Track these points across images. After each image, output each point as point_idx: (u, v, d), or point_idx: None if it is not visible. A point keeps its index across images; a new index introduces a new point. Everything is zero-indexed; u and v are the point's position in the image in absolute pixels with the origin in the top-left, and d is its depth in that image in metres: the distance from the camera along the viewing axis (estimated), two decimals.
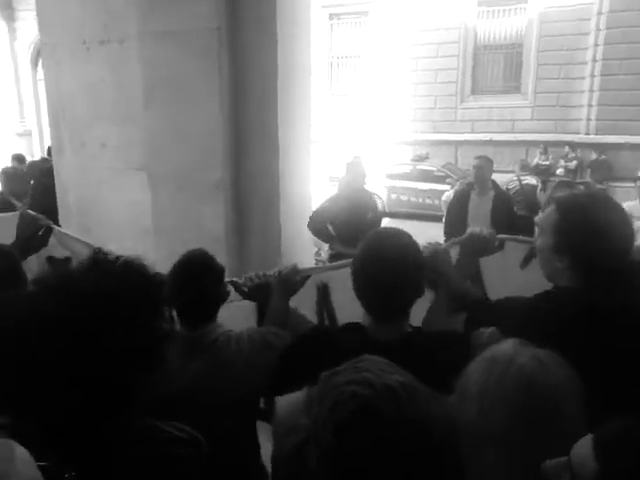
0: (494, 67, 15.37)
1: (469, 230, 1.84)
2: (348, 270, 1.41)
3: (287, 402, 1.27)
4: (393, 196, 12.00)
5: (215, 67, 3.77)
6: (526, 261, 1.81)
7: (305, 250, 4.21)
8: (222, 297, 1.56)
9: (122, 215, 4.12)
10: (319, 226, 4.28)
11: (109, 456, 0.80)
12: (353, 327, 1.32)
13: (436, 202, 11.02)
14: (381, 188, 11.37)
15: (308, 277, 1.85)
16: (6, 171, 3.98)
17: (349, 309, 1.45)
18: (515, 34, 14.91)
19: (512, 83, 15.20)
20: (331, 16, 16.74)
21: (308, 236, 4.36)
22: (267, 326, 1.59)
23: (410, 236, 1.34)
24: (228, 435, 1.41)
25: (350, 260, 1.85)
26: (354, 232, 3.98)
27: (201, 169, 3.85)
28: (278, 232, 3.96)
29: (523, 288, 1.49)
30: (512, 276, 1.78)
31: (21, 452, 0.64)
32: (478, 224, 3.13)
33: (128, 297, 0.89)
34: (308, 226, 4.20)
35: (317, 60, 15.06)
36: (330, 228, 4.46)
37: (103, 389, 0.84)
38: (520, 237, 2.00)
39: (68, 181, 4.53)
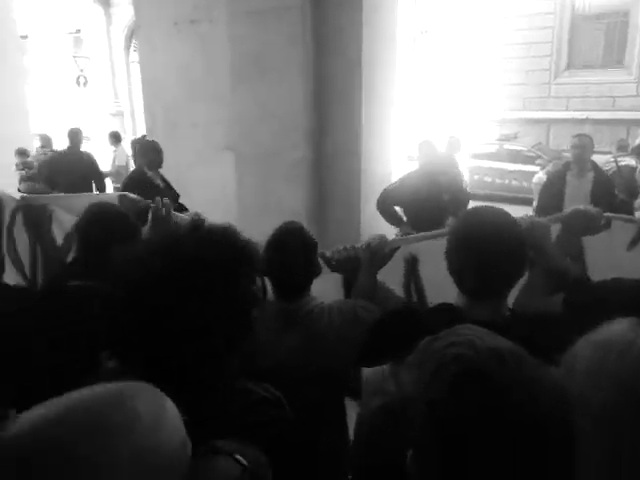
0: (593, 39, 14.24)
1: (573, 207, 1.72)
2: (439, 242, 1.36)
3: (374, 368, 1.27)
4: (476, 177, 11.53)
5: (299, 44, 3.78)
6: (634, 242, 1.67)
7: (384, 230, 4.16)
8: (315, 270, 1.57)
9: (208, 193, 4.27)
10: (386, 207, 4.13)
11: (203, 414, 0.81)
12: (446, 308, 1.27)
13: (524, 184, 10.48)
14: (463, 169, 10.99)
15: (397, 249, 1.81)
16: (142, 142, 4.18)
17: (438, 283, 1.40)
18: (619, 1, 13.69)
19: (613, 56, 14.02)
20: None
21: None
22: (355, 299, 1.59)
23: (509, 213, 1.28)
24: (315, 405, 1.43)
25: (441, 231, 1.79)
26: (425, 215, 3.83)
27: (284, 148, 3.90)
28: (358, 212, 3.94)
29: (629, 271, 1.38)
30: (617, 257, 1.65)
31: (169, 402, 0.63)
32: None
33: (224, 265, 0.90)
34: (377, 206, 4.10)
35: (401, 34, 14.65)
36: (399, 210, 4.30)
37: (193, 356, 0.86)
38: (629, 216, 1.85)
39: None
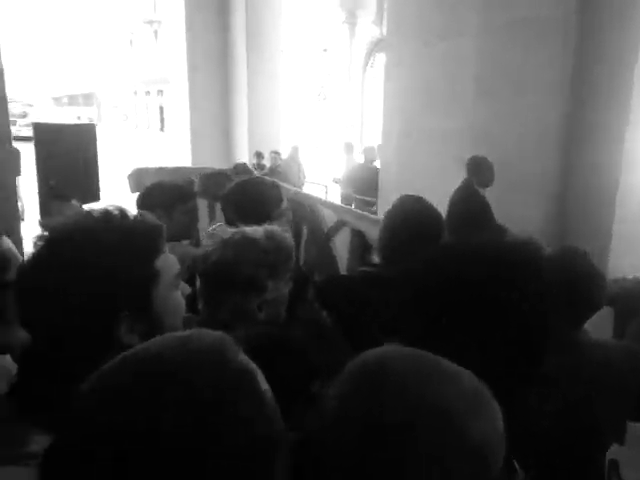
0: None
1: None
2: None
3: None
4: None
5: (555, 56, 3.55)
6: None
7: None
8: (598, 305, 1.39)
9: (439, 205, 4.22)
10: None
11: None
12: None
13: None
14: None
15: None
16: (475, 158, 3.87)
17: None
18: None
19: None
20: None
21: None
22: (630, 341, 1.36)
23: None
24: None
25: None
26: None
27: (525, 160, 3.71)
28: (608, 233, 3.48)
29: None
30: None
31: None
32: None
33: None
34: None
35: None
36: None
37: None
38: None
39: (391, 164, 4.92)
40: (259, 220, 1.34)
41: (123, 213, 0.90)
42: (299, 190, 2.71)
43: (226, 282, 1.13)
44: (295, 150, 8.24)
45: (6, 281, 0.93)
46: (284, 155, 8.10)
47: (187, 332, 0.55)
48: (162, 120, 28.14)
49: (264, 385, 0.53)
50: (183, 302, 0.95)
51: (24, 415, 0.78)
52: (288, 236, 1.25)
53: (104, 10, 32.16)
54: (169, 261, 0.92)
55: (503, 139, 3.81)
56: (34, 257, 0.82)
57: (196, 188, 2.81)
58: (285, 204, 1.79)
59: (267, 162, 7.89)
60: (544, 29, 3.55)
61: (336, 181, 8.36)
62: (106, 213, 0.89)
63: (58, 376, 0.78)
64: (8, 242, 1.01)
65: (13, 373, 1.15)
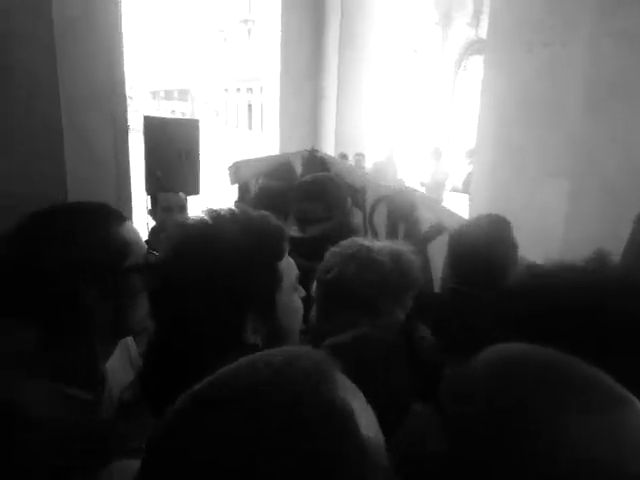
0: None
1: None
2: None
3: None
4: None
5: None
6: None
7: None
8: None
9: (528, 222, 4.01)
10: None
11: None
12: None
13: None
14: None
15: None
16: None
17: None
18: None
19: None
20: None
21: None
22: None
23: None
24: None
25: None
26: None
27: (636, 179, 3.45)
28: None
29: None
30: None
31: None
32: None
33: None
34: None
35: None
36: None
37: None
38: None
39: (483, 173, 4.74)
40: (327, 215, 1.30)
41: (248, 214, 0.90)
42: (401, 188, 2.59)
43: (340, 298, 1.11)
44: (391, 152, 8.20)
45: (128, 267, 0.96)
46: (367, 157, 8.09)
47: (293, 352, 0.52)
48: (250, 118, 28.92)
49: (362, 423, 0.47)
50: (302, 305, 0.95)
51: (146, 403, 0.81)
52: (416, 261, 1.19)
53: (201, 9, 33.66)
54: (290, 264, 0.92)
55: (611, 157, 3.58)
56: (167, 253, 0.85)
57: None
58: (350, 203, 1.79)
59: (352, 163, 7.95)
60: None
61: (423, 184, 8.27)
62: (233, 213, 0.89)
63: (181, 369, 0.79)
64: (132, 227, 1.04)
65: (132, 351, 1.19)
